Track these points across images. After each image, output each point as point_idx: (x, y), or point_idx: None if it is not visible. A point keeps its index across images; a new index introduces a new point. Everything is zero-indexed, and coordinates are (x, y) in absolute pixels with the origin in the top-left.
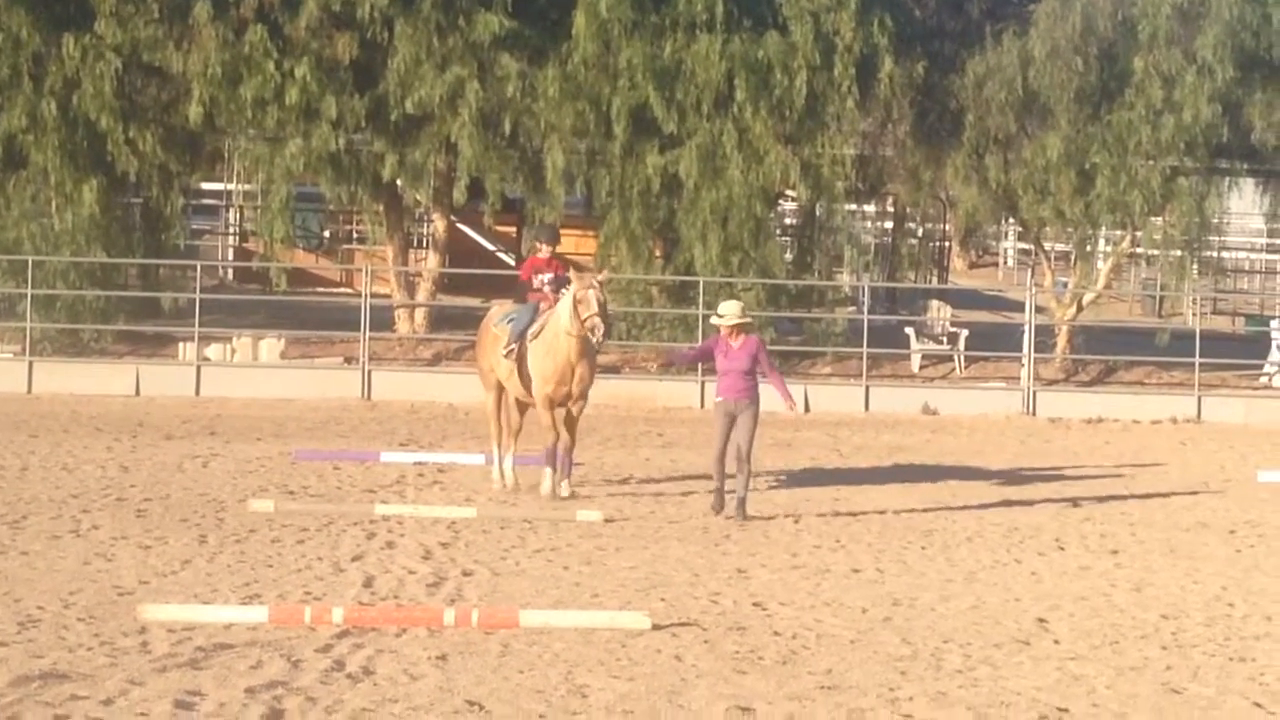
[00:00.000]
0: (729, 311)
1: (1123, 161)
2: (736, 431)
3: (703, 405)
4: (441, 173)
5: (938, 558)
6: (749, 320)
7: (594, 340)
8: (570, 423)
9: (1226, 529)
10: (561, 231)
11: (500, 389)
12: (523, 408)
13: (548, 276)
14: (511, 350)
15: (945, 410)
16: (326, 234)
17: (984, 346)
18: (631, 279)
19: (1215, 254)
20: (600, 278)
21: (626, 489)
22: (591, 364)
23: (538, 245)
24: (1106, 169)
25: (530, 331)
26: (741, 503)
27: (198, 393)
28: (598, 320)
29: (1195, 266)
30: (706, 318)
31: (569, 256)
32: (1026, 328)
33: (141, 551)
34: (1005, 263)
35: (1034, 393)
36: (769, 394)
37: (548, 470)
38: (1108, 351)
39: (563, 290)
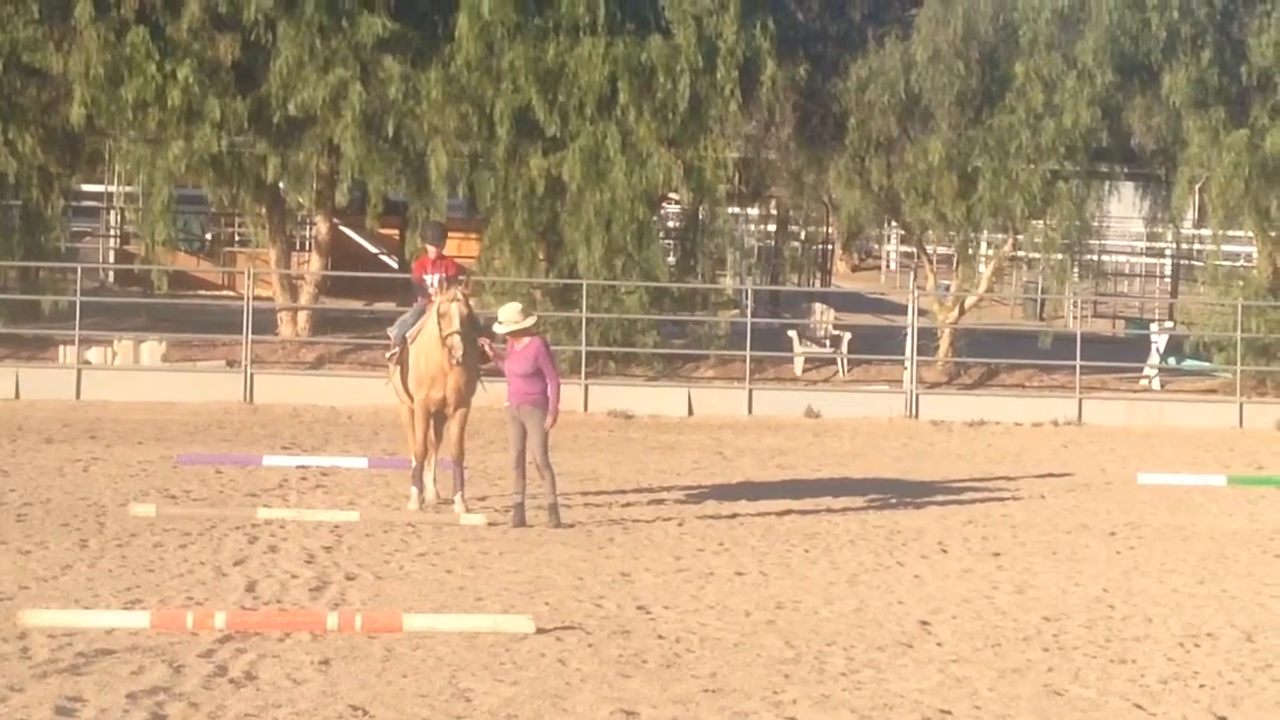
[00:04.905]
0: (506, 317)
1: (1004, 165)
2: (528, 439)
3: (586, 408)
4: (324, 175)
5: (821, 560)
6: (529, 324)
7: (453, 360)
8: (456, 432)
9: (1107, 531)
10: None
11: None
12: (438, 418)
13: (439, 276)
14: (394, 354)
15: (828, 413)
16: (208, 236)
17: (867, 349)
18: (515, 282)
19: (1095, 257)
20: (464, 290)
21: (509, 493)
22: (469, 371)
23: (425, 246)
24: (988, 172)
25: (409, 335)
26: (552, 508)
27: (78, 396)
28: (456, 340)
29: (1076, 270)
30: (590, 321)
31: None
32: (909, 331)
33: (21, 556)
34: (888, 266)
35: (916, 395)
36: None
37: (459, 495)
38: (989, 354)
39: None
